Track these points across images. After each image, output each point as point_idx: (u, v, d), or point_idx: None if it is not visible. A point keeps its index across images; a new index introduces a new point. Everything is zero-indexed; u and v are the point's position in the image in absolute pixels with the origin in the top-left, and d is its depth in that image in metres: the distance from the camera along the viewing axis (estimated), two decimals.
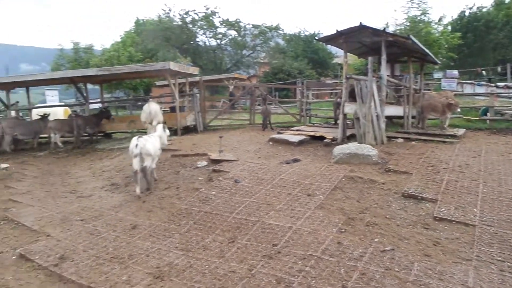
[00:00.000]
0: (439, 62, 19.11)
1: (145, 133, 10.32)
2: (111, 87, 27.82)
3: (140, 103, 22.08)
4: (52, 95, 23.62)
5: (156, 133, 8.14)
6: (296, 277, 4.04)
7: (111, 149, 12.38)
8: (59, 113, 18.11)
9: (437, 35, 24.73)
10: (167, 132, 8.56)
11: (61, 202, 7.41)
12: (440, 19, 26.96)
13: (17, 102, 16.22)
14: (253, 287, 3.94)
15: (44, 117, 13.95)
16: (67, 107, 20.18)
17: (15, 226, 6.27)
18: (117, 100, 27.26)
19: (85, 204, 7.11)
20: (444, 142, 9.70)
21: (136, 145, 7.09)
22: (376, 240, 4.78)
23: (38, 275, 4.67)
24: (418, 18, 25.11)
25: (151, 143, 7.39)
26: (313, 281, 3.94)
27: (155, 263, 4.62)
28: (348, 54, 12.03)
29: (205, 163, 8.63)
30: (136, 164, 7.12)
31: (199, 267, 4.45)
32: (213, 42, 39.01)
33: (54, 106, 18.82)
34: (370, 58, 10.18)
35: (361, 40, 11.23)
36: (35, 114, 15.79)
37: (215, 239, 5.16)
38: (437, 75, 23.96)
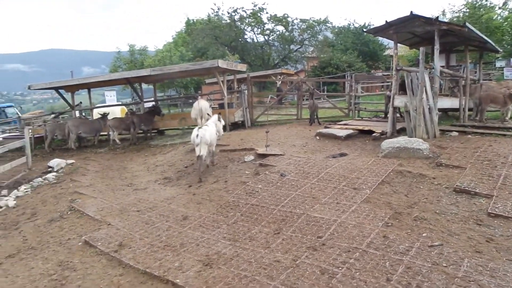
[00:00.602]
0: (501, 50, 17.82)
1: None
2: (164, 86, 29.07)
3: (190, 100, 22.88)
4: (110, 95, 25.07)
5: (211, 120, 9.07)
6: (340, 268, 4.09)
7: (163, 145, 13.04)
8: (117, 112, 19.22)
9: (500, 20, 23.02)
10: (222, 122, 9.36)
11: (119, 194, 7.99)
12: (504, 3, 25.01)
13: (81, 102, 17.42)
14: (297, 277, 4.05)
15: (104, 116, 14.95)
16: (123, 106, 21.35)
17: (80, 216, 6.87)
18: (169, 98, 28.42)
19: (141, 196, 7.60)
20: (504, 135, 9.11)
21: (197, 135, 8.04)
22: (424, 235, 4.67)
23: (100, 259, 5.11)
24: (478, 3, 23.53)
25: (209, 132, 8.37)
26: (357, 273, 3.97)
27: (204, 252, 4.87)
28: (400, 45, 11.65)
29: (252, 157, 8.84)
30: (198, 151, 8.17)
31: (245, 256, 4.63)
32: (261, 38, 39.21)
33: (112, 105, 19.99)
34: (421, 49, 9.80)
35: (413, 30, 10.80)
36: (96, 113, 16.94)
37: (261, 230, 5.33)
38: (499, 63, 22.26)
